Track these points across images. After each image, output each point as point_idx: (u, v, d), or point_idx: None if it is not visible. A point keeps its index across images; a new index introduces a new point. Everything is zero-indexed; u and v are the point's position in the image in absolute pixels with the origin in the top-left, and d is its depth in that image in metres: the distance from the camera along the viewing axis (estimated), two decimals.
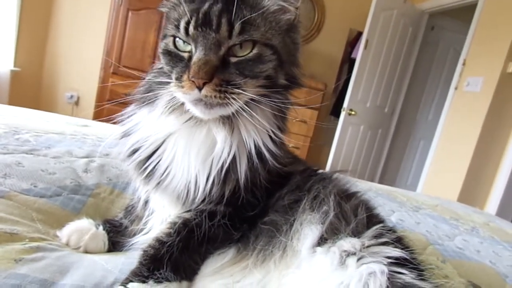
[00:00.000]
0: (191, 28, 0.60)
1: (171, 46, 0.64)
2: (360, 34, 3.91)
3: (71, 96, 3.82)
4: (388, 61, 3.87)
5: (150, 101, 0.68)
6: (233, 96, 0.59)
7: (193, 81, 0.57)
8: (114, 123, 0.74)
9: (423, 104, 4.68)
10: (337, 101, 4.17)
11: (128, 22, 3.41)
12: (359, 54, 3.62)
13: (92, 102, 3.61)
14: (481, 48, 3.15)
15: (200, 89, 0.58)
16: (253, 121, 0.62)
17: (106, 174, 0.94)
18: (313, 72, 4.08)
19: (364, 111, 3.84)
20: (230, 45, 0.60)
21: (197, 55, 0.59)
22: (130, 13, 3.40)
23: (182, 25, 0.61)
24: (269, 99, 0.62)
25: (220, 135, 0.62)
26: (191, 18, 0.60)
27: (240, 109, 0.61)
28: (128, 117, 0.71)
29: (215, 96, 0.58)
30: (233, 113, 0.62)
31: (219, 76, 0.58)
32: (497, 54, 2.93)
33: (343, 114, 3.68)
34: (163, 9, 0.69)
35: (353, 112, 3.70)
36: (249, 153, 0.63)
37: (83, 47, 3.77)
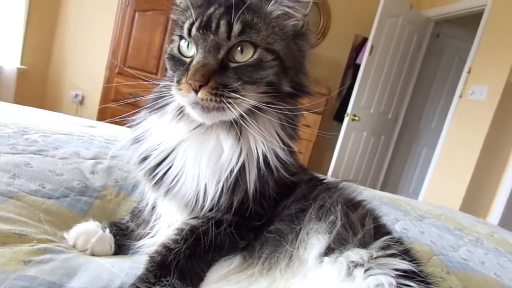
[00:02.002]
0: (193, 30, 0.61)
1: (175, 51, 0.66)
2: (365, 40, 3.92)
3: (76, 95, 3.84)
4: (393, 67, 3.87)
5: (160, 107, 0.68)
6: (230, 100, 0.58)
7: (190, 84, 0.58)
8: (122, 124, 0.74)
9: (427, 111, 4.68)
10: (341, 106, 4.17)
11: (135, 23, 3.42)
12: (364, 59, 3.62)
13: (97, 102, 3.62)
14: (487, 57, 3.15)
15: (196, 92, 0.58)
16: (260, 129, 0.62)
17: (113, 176, 0.95)
18: (317, 77, 4.08)
19: (367, 117, 3.84)
20: (230, 46, 0.60)
21: (197, 58, 0.60)
22: (136, 14, 3.41)
23: (186, 26, 0.63)
24: (275, 107, 0.62)
25: (227, 143, 0.63)
26: (196, 20, 0.62)
27: (246, 116, 0.61)
28: (139, 122, 0.71)
29: (210, 100, 0.58)
30: (239, 121, 0.61)
31: (216, 80, 0.58)
32: (502, 63, 2.93)
33: (346, 120, 3.68)
34: (173, 17, 0.70)
35: (356, 118, 3.70)
36: (258, 162, 0.62)
37: (89, 47, 3.79)
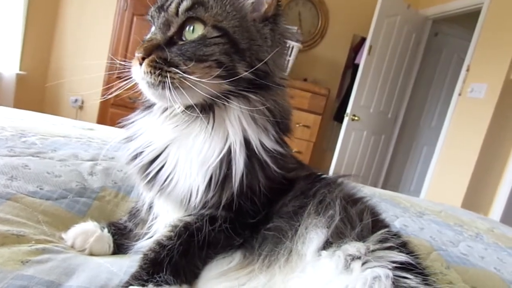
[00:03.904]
0: (152, 10, 0.64)
1: (147, 36, 0.68)
2: (363, 40, 3.93)
3: (76, 100, 3.84)
4: (392, 67, 3.88)
5: (148, 106, 0.70)
6: (169, 75, 0.57)
7: (136, 57, 0.60)
8: (120, 126, 0.75)
9: (427, 110, 4.69)
10: (340, 106, 4.18)
11: (133, 26, 3.43)
12: (362, 59, 3.63)
13: (96, 106, 3.63)
14: (485, 55, 3.16)
15: (141, 65, 0.59)
16: (230, 120, 0.61)
17: (111, 177, 0.95)
18: (316, 77, 4.09)
19: (367, 117, 3.84)
20: (179, 23, 0.61)
21: (148, 35, 0.63)
22: (135, 18, 3.42)
23: (150, 10, 0.66)
24: (242, 97, 0.61)
25: (207, 137, 0.62)
26: (158, 2, 0.65)
27: (215, 106, 0.61)
28: (132, 122, 0.72)
29: (150, 72, 0.58)
30: (209, 113, 0.62)
31: (157, 53, 0.59)
32: (501, 61, 2.94)
33: (346, 120, 3.68)
34: None
35: (356, 118, 3.71)
36: (244, 156, 0.61)
37: (88, 51, 3.80)
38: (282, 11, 0.68)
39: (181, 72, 0.57)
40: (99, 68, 3.59)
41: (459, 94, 3.33)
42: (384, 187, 4.39)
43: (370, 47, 3.59)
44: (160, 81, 0.58)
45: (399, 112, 4.31)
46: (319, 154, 4.21)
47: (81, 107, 3.90)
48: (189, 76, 0.57)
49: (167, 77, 0.57)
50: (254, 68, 0.61)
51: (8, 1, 3.23)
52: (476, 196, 3.04)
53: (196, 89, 0.58)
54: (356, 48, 4.19)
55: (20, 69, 3.50)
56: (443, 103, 4.43)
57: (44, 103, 3.87)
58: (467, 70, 3.28)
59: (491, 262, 1.04)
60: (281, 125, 0.66)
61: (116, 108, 3.33)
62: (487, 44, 3.15)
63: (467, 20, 3.71)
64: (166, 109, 0.66)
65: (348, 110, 3.67)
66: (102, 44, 3.60)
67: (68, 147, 1.03)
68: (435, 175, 3.47)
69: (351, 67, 4.25)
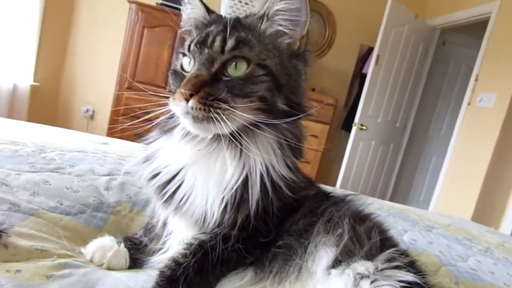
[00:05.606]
0: (192, 45, 0.66)
1: (178, 67, 0.70)
2: (371, 49, 3.94)
3: (87, 110, 3.92)
4: (399, 76, 3.88)
5: (170, 127, 0.72)
6: (219, 111, 0.59)
7: (182, 93, 0.61)
8: (136, 138, 0.77)
9: (435, 119, 4.66)
10: (348, 116, 4.18)
11: (143, 39, 3.51)
12: (370, 69, 3.64)
13: (107, 116, 3.70)
14: (494, 64, 3.15)
15: (187, 101, 0.60)
16: (257, 147, 0.63)
17: (126, 192, 0.98)
18: (324, 87, 4.11)
19: (375, 126, 3.84)
20: (223, 60, 0.63)
21: (192, 70, 0.64)
22: (145, 30, 3.50)
23: (187, 43, 0.68)
24: (272, 125, 0.64)
25: (229, 162, 0.64)
26: (196, 37, 0.67)
27: (243, 133, 0.62)
28: (151, 141, 0.74)
29: (199, 109, 0.59)
30: (238, 138, 0.63)
31: (206, 90, 0.60)
32: (510, 70, 2.93)
33: (354, 129, 3.68)
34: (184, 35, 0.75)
35: (364, 127, 3.71)
36: (260, 180, 0.63)
37: (99, 63, 3.89)
38: (311, 48, 0.72)
39: (230, 108, 0.60)
40: (111, 79, 3.67)
41: (468, 104, 3.31)
42: (393, 197, 4.36)
43: (378, 57, 3.60)
44: (208, 116, 0.60)
45: (408, 122, 4.30)
46: (327, 163, 4.21)
47: (92, 117, 3.97)
48: (236, 111, 0.60)
49: (218, 113, 0.59)
50: (290, 102, 0.66)
51: (24, 14, 3.33)
52: (487, 207, 3.00)
53: (239, 121, 0.62)
54: (364, 57, 4.21)
55: (34, 80, 3.60)
56: (452, 112, 4.41)
57: (56, 113, 3.96)
58: (476, 79, 3.27)
59: (501, 277, 1.04)
60: (296, 151, 0.69)
61: (127, 119, 3.39)
62: (496, 54, 3.15)
63: (475, 29, 3.70)
64: (187, 133, 0.68)
65: (356, 119, 3.67)
66: (113, 55, 3.68)
67: (85, 162, 1.07)
68: (444, 186, 3.45)
69: (359, 77, 4.26)
